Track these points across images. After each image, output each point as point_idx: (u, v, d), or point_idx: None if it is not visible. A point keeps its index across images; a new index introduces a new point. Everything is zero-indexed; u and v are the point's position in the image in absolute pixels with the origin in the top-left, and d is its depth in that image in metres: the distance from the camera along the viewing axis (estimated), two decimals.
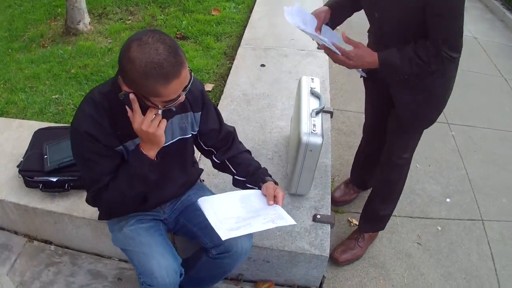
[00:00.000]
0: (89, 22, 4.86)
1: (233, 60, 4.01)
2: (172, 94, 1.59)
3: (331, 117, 3.25)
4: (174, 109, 1.75)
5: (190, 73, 1.65)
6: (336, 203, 3.11)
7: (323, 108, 2.50)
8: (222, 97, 3.43)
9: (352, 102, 4.24)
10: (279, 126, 3.12)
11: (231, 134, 2.20)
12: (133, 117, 1.67)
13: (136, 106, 1.64)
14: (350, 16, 2.35)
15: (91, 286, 2.58)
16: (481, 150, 3.96)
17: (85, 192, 2.02)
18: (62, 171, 2.59)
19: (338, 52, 2.03)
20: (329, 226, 2.52)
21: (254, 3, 5.47)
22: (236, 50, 4.19)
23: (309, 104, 2.52)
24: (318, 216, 2.53)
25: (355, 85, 4.43)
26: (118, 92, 1.65)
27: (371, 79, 2.41)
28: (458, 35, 1.90)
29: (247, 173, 2.11)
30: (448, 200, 3.37)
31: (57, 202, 2.61)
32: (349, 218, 3.10)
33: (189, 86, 1.65)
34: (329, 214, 2.57)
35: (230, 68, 3.90)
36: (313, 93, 2.62)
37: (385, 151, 2.58)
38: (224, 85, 3.62)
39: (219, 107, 3.28)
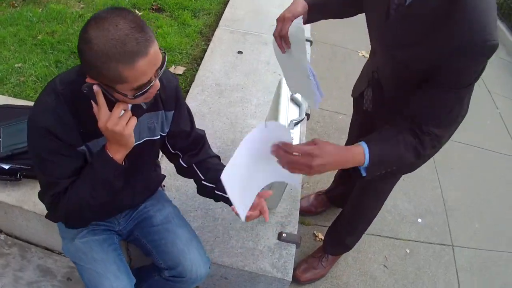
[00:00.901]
0: None
1: (209, 42, 3.71)
2: (140, 76, 1.32)
3: (308, 119, 3.02)
4: (144, 106, 1.51)
5: (163, 55, 1.39)
6: (300, 212, 2.91)
7: (303, 119, 2.27)
8: (193, 84, 3.14)
9: (328, 100, 4.00)
10: (251, 125, 2.87)
11: (202, 138, 1.95)
12: (98, 113, 1.41)
13: (101, 99, 1.39)
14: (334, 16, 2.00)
15: (40, 284, 2.36)
16: (459, 167, 3.82)
17: (37, 182, 1.70)
18: (15, 158, 2.31)
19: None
20: (294, 246, 2.32)
21: None
22: (214, 31, 3.89)
23: (288, 112, 2.29)
24: (284, 235, 2.32)
25: (333, 82, 4.22)
26: (84, 82, 1.38)
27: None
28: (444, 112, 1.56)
29: (218, 179, 1.87)
30: (419, 220, 3.21)
31: (8, 192, 2.34)
32: (314, 232, 2.91)
33: (162, 69, 1.38)
34: (296, 233, 2.37)
35: (205, 51, 3.60)
36: (294, 100, 2.38)
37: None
38: (197, 71, 3.33)
39: (188, 96, 3.02)
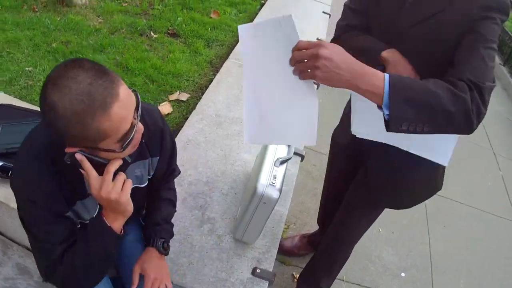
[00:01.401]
0: None
1: (217, 73, 3.80)
2: (120, 124, 1.22)
3: (302, 160, 3.07)
4: (129, 160, 1.41)
5: (135, 93, 1.30)
6: (282, 251, 2.94)
7: (290, 158, 2.31)
8: (193, 112, 3.21)
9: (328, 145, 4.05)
10: (243, 159, 2.92)
11: (172, 176, 1.96)
12: (89, 181, 1.32)
13: (87, 166, 1.29)
14: None
15: (16, 281, 2.39)
16: (451, 225, 3.85)
17: None
18: (9, 156, 2.38)
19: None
20: (267, 283, 2.34)
21: (257, 14, 5.30)
22: (223, 62, 3.98)
23: (276, 150, 2.34)
24: (258, 270, 2.34)
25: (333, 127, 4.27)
26: (63, 142, 1.28)
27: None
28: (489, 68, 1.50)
29: (149, 222, 1.88)
30: (403, 274, 3.22)
31: None
32: (294, 273, 2.94)
33: (139, 110, 1.29)
34: (271, 270, 2.39)
35: (211, 80, 3.69)
36: None
37: (342, 208, 2.41)
38: (200, 99, 3.41)
39: (187, 123, 3.08)
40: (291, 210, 3.13)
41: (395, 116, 1.29)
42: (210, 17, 5.01)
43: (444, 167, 1.99)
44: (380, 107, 1.32)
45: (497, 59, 7.85)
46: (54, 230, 1.42)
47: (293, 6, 5.91)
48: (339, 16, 1.99)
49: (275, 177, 2.17)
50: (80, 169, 1.31)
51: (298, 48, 1.32)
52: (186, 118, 3.17)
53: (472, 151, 5.09)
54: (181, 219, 2.44)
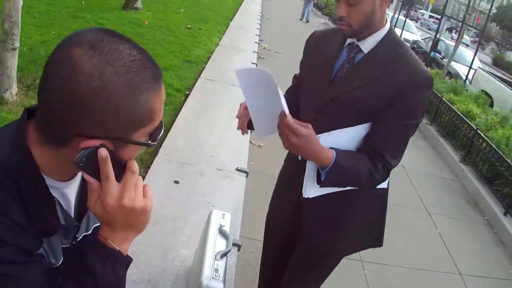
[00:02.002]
0: (16, 93, 4.67)
1: (148, 169, 3.94)
2: (162, 108, 1.01)
3: (238, 250, 3.21)
4: None
5: None
6: None
7: (230, 250, 2.46)
8: None
9: (262, 231, 4.21)
10: (182, 254, 3.03)
11: None
12: (106, 187, 0.98)
13: (110, 168, 0.96)
14: None
15: None
16: None
17: None
18: None
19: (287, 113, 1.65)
20: None
21: (181, 107, 5.53)
22: (153, 158, 4.13)
23: (215, 244, 2.47)
24: None
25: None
26: (25, 157, 0.97)
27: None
28: (405, 146, 1.92)
29: None
30: None
31: None
32: None
33: None
34: None
35: (143, 178, 3.81)
36: (222, 232, 2.57)
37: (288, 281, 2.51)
38: None
39: None
40: None
41: (326, 183, 1.84)
42: None
43: (384, 222, 2.28)
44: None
45: (424, 120, 8.43)
46: (27, 275, 0.96)
47: (219, 94, 6.23)
48: None
49: (217, 270, 2.30)
50: (88, 176, 0.98)
51: (283, 123, 1.67)
52: None
53: (407, 215, 5.38)
54: None
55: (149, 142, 1.01)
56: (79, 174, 1.11)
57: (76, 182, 1.13)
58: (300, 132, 1.66)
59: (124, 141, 0.96)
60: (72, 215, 1.13)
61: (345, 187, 1.94)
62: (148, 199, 1.03)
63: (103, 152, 0.93)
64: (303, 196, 1.99)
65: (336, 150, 1.80)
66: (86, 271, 1.00)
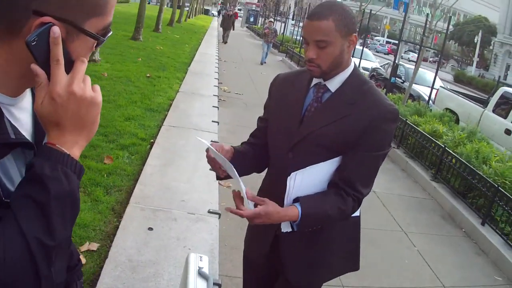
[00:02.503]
0: None
1: (121, 218, 4.01)
2: (114, 5, 1.00)
3: None
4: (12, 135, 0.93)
5: None
6: None
7: None
8: (106, 260, 3.37)
9: (240, 268, 4.28)
10: None
11: None
12: (55, 73, 0.90)
13: (59, 50, 0.90)
14: (247, 172, 2.21)
15: None
16: None
17: None
18: None
19: (247, 201, 1.91)
20: None
21: (148, 155, 5.62)
22: (125, 207, 4.21)
23: (196, 286, 2.55)
24: None
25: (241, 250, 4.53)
26: None
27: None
28: (375, 175, 2.04)
29: None
30: None
31: None
32: None
33: None
34: None
35: (117, 227, 3.88)
36: (201, 274, 2.65)
37: None
38: (110, 247, 3.58)
39: (103, 272, 3.23)
40: None
41: (299, 229, 1.98)
42: (105, 163, 5.26)
43: (359, 248, 2.35)
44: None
45: (392, 144, 8.62)
46: None
47: (183, 140, 6.34)
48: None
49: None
50: (37, 58, 0.90)
51: (243, 216, 1.89)
52: (101, 267, 3.32)
53: (384, 237, 5.49)
54: None
55: (100, 36, 0.97)
56: (28, 96, 1.06)
57: (26, 103, 1.06)
58: (259, 214, 1.87)
59: (77, 29, 0.92)
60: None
61: (318, 226, 2.06)
62: (97, 93, 0.96)
63: (56, 30, 0.88)
64: (281, 230, 2.08)
65: (301, 202, 1.94)
66: (35, 178, 0.88)
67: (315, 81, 2.04)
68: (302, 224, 1.94)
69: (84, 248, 3.64)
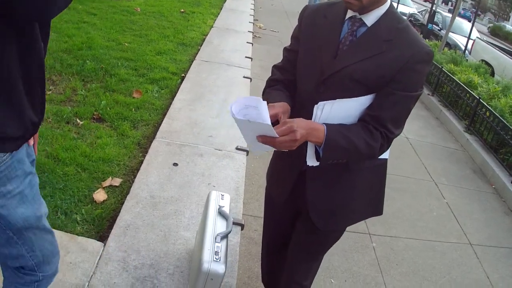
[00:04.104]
0: None
1: (146, 153, 3.86)
2: None
3: (242, 229, 3.14)
4: None
5: None
6: None
7: (230, 232, 2.39)
8: (128, 196, 3.24)
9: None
10: (184, 237, 2.96)
11: None
12: None
13: None
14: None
15: None
16: (403, 262, 3.95)
17: None
18: None
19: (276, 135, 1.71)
20: None
21: (178, 89, 5.44)
22: (151, 142, 4.06)
23: (215, 226, 2.41)
24: None
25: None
26: None
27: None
28: (406, 116, 1.94)
29: None
30: None
31: None
32: None
33: None
34: None
35: (141, 162, 3.74)
36: (221, 213, 2.51)
37: (283, 280, 2.49)
38: (133, 182, 3.45)
39: (123, 208, 3.11)
40: (240, 278, 3.17)
41: (325, 158, 1.83)
42: (133, 97, 5.10)
43: (383, 192, 2.23)
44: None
45: (425, 91, 8.33)
46: None
47: (215, 75, 6.13)
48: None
49: (217, 252, 2.24)
50: None
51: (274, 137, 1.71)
52: (122, 203, 3.20)
53: (413, 186, 5.32)
54: None
55: None
56: None
57: None
58: (291, 127, 1.71)
59: None
60: None
61: (345, 160, 1.93)
62: None
63: None
64: (307, 164, 1.95)
65: (327, 125, 1.82)
66: None
67: (349, 14, 1.93)
68: (327, 149, 1.81)
69: (106, 183, 3.52)
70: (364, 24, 1.89)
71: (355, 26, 1.90)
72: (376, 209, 2.29)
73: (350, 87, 1.88)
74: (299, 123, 1.74)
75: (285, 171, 2.24)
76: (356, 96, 1.87)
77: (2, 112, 1.35)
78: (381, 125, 1.86)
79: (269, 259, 2.76)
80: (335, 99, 1.85)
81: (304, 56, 2.07)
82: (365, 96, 1.88)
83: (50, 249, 1.81)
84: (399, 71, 1.81)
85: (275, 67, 2.23)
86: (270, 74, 2.22)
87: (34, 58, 1.43)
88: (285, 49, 2.20)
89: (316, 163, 1.91)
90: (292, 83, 2.12)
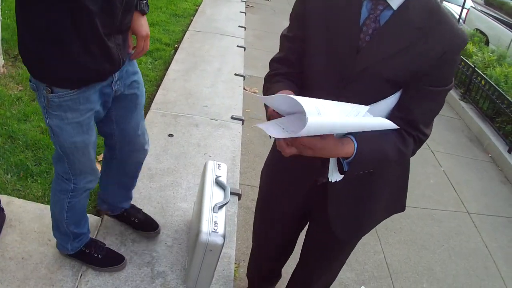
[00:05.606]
0: (3, 64, 4.48)
1: None
2: None
3: (239, 199, 3.11)
4: None
5: None
6: None
7: (228, 202, 2.34)
8: None
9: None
10: (181, 208, 2.92)
11: None
12: None
13: None
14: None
15: None
16: (401, 230, 3.95)
17: None
18: None
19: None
20: None
21: (171, 60, 5.35)
22: (146, 113, 3.99)
23: (212, 196, 2.36)
24: None
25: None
26: None
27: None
28: (437, 113, 1.67)
29: None
30: (363, 287, 3.27)
31: None
32: None
33: None
34: None
35: None
36: (218, 183, 2.46)
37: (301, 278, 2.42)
38: None
39: None
40: (239, 248, 3.14)
41: (351, 172, 1.54)
42: None
43: (407, 187, 2.05)
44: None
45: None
46: None
47: (208, 45, 6.03)
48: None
49: (216, 223, 2.19)
50: None
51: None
52: None
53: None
54: (132, 278, 2.40)
55: None
56: None
57: None
58: (315, 145, 1.42)
59: None
60: None
61: (371, 170, 1.67)
62: None
63: None
64: (330, 180, 1.65)
65: (356, 136, 1.50)
66: None
67: None
68: (356, 162, 1.51)
69: (101, 157, 3.46)
70: (389, 6, 1.53)
71: (378, 9, 1.55)
72: (400, 204, 2.10)
73: (376, 87, 1.59)
74: (327, 146, 1.46)
75: (292, 183, 2.00)
76: (383, 96, 1.59)
77: (55, 60, 1.72)
78: (415, 129, 1.60)
79: (266, 264, 2.69)
80: (357, 99, 1.53)
81: (314, 48, 1.69)
82: (394, 95, 1.60)
83: (89, 165, 2.12)
84: (435, 64, 1.52)
85: (274, 61, 1.82)
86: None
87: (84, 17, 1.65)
88: (284, 36, 1.80)
89: (340, 177, 1.61)
90: (300, 78, 1.76)
